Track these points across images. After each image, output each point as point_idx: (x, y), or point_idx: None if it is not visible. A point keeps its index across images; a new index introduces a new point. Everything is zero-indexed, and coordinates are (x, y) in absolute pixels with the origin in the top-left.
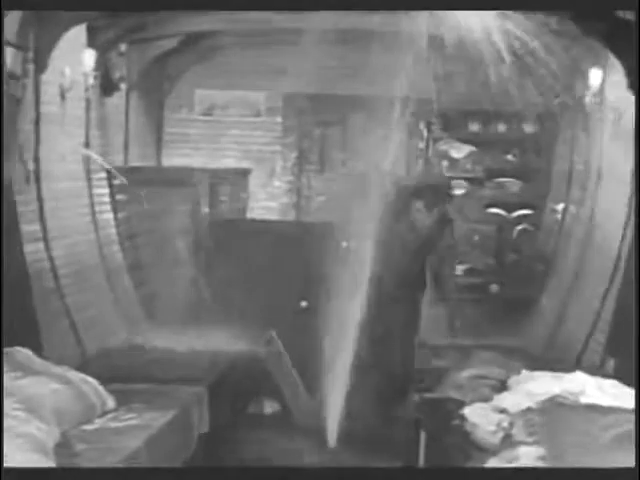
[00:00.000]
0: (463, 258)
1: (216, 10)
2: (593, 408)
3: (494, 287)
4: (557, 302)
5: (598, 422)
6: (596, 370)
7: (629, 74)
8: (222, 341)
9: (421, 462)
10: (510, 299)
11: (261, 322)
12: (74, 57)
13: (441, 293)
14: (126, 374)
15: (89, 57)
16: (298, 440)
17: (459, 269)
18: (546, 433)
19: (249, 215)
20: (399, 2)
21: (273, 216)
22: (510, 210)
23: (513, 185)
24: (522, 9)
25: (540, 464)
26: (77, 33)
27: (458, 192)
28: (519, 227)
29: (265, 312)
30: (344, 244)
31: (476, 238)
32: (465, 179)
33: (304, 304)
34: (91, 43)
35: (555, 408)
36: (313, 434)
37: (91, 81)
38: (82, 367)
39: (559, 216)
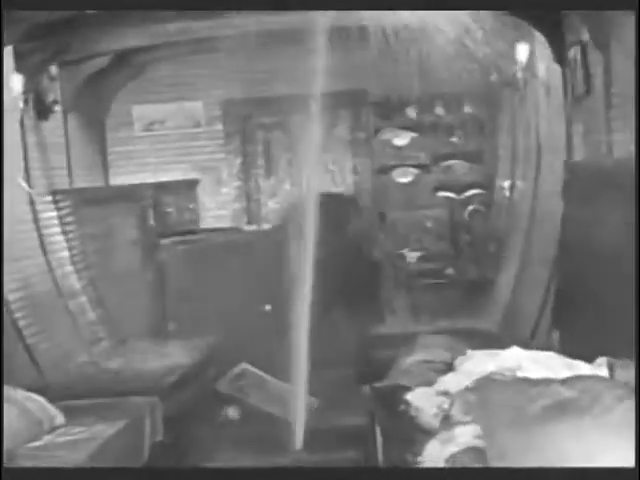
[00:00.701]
0: (417, 245)
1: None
2: (523, 381)
3: (450, 271)
4: (511, 280)
5: (526, 395)
6: (545, 344)
7: (554, 46)
8: (179, 353)
9: (380, 453)
10: (467, 281)
11: (219, 331)
12: (6, 82)
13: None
14: (82, 392)
15: (17, 82)
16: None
17: (414, 256)
18: (480, 410)
19: (202, 225)
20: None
21: (225, 223)
22: (459, 192)
23: (460, 167)
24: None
25: (476, 442)
26: (5, 57)
27: (406, 179)
28: (470, 207)
29: (223, 320)
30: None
31: (429, 224)
32: (411, 166)
33: (268, 308)
34: (18, 68)
35: (490, 385)
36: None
37: (21, 105)
38: (41, 389)
39: (507, 193)
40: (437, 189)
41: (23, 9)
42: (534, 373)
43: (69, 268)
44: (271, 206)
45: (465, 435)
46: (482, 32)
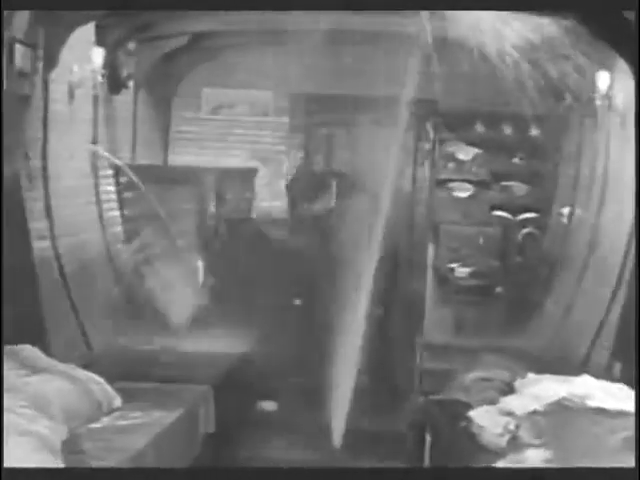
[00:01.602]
0: (468, 260)
1: (221, 10)
2: (600, 411)
3: (499, 289)
4: (562, 305)
5: (605, 425)
6: (602, 374)
7: (637, 76)
8: (225, 342)
9: (426, 464)
10: (514, 301)
11: (262, 322)
12: (82, 55)
13: None
14: (132, 373)
15: (97, 55)
16: (303, 440)
17: (464, 271)
18: (553, 436)
19: (255, 215)
20: (412, 2)
21: (279, 216)
22: (515, 213)
23: (519, 188)
24: (528, 10)
25: (546, 466)
26: (85, 31)
27: (464, 194)
28: (524, 230)
29: (266, 311)
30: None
31: (481, 241)
32: (471, 182)
33: (297, 302)
34: (99, 41)
35: (562, 411)
36: (318, 434)
37: (99, 79)
38: (89, 365)
39: (565, 220)
40: (493, 208)
41: (23, 9)
42: (604, 403)
43: (121, 245)
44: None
45: (535, 459)
46: (560, 57)
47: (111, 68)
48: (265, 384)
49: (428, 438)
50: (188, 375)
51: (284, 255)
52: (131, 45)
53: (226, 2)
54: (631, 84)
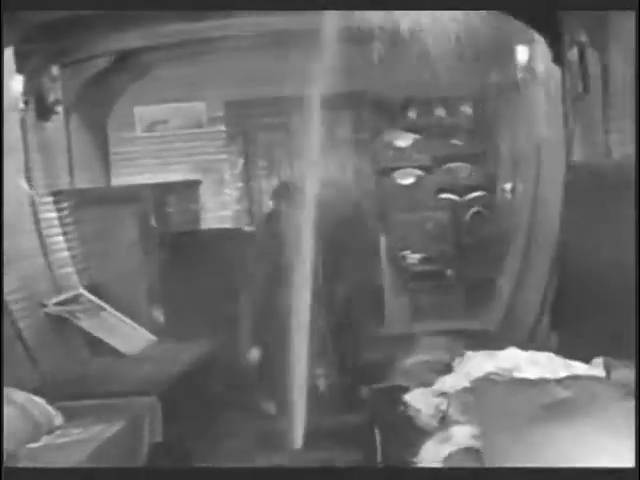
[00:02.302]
0: (419, 246)
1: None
2: (520, 381)
3: (450, 272)
4: (511, 281)
5: (523, 395)
6: (545, 347)
7: (552, 47)
8: (177, 355)
9: (378, 453)
10: (468, 283)
11: (217, 332)
12: (7, 82)
13: None
14: (84, 393)
15: (18, 82)
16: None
17: (415, 257)
18: (478, 411)
19: (203, 226)
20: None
21: (227, 224)
22: (462, 194)
23: (462, 169)
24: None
25: (473, 443)
26: (7, 58)
27: (408, 181)
28: (472, 210)
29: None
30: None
31: (430, 226)
32: (413, 167)
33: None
34: (19, 68)
35: (487, 385)
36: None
37: (22, 106)
38: (40, 390)
39: (509, 195)
40: (439, 191)
41: (23, 9)
42: (531, 374)
43: (70, 268)
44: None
45: (462, 435)
46: (482, 33)
47: (36, 94)
48: (219, 391)
49: (376, 428)
50: (136, 388)
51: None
52: (54, 70)
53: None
54: (548, 54)
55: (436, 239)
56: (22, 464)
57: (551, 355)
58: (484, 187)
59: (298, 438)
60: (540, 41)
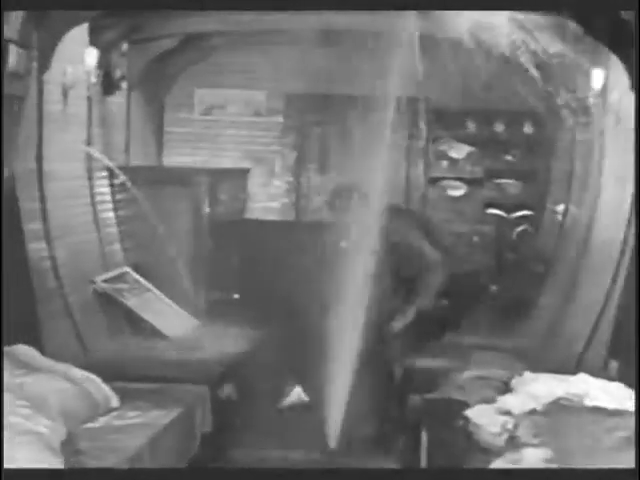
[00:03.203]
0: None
1: (218, 10)
2: (597, 410)
3: (493, 288)
4: (556, 303)
5: (603, 424)
6: (599, 372)
7: (631, 75)
8: (223, 341)
9: (423, 464)
10: (509, 300)
11: (260, 322)
12: (76, 56)
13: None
14: (128, 373)
15: (91, 56)
16: (299, 441)
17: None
18: (551, 435)
19: (248, 215)
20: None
21: (273, 216)
22: (509, 211)
23: (512, 186)
24: (522, 9)
25: (545, 466)
26: (79, 32)
27: (457, 193)
28: (519, 228)
29: (264, 312)
30: (343, 244)
31: (475, 239)
32: (464, 180)
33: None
34: (93, 42)
35: (559, 410)
36: (314, 435)
37: (93, 80)
38: (85, 366)
39: (559, 217)
40: (487, 205)
41: (23, 9)
42: (602, 402)
43: (118, 246)
44: (320, 203)
45: (534, 458)
46: (558, 51)
47: (104, 69)
48: (262, 385)
49: (424, 438)
50: (185, 375)
51: (279, 256)
52: (124, 46)
53: (224, 2)
54: (625, 81)
55: (481, 253)
56: (81, 445)
57: (621, 385)
58: (532, 206)
59: (333, 438)
60: (618, 66)
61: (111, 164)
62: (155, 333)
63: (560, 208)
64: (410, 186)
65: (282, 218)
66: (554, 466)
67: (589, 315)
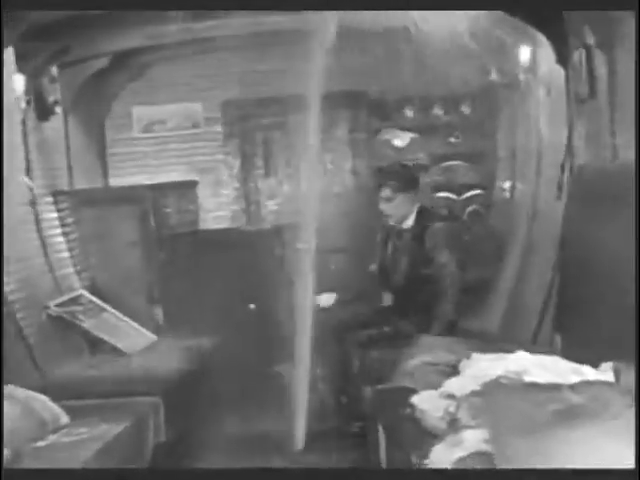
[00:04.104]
0: None
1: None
2: (531, 386)
3: None
4: (511, 281)
5: (535, 399)
6: (547, 348)
7: (557, 48)
8: (179, 353)
9: (382, 454)
10: (467, 283)
11: (213, 332)
12: (7, 83)
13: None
14: (86, 393)
15: (19, 82)
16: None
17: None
18: (488, 415)
19: (201, 226)
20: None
21: (225, 224)
22: (459, 193)
23: (459, 167)
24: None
25: (484, 447)
26: (6, 57)
27: None
28: (469, 208)
29: (217, 320)
30: (299, 246)
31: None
32: None
33: (252, 307)
34: (20, 68)
35: (497, 389)
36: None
37: (23, 106)
38: (39, 387)
39: (507, 194)
40: (436, 190)
41: (23, 9)
42: (541, 378)
43: (70, 269)
44: (270, 207)
45: (473, 439)
46: (483, 33)
47: (36, 94)
48: (220, 392)
49: (381, 430)
50: (139, 389)
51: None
52: (54, 70)
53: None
54: (551, 55)
55: None
56: (27, 463)
57: (560, 359)
58: (482, 186)
59: (299, 440)
60: (544, 42)
61: (36, 189)
62: (115, 351)
63: (507, 185)
64: (358, 178)
65: (234, 225)
66: (489, 447)
67: (540, 290)
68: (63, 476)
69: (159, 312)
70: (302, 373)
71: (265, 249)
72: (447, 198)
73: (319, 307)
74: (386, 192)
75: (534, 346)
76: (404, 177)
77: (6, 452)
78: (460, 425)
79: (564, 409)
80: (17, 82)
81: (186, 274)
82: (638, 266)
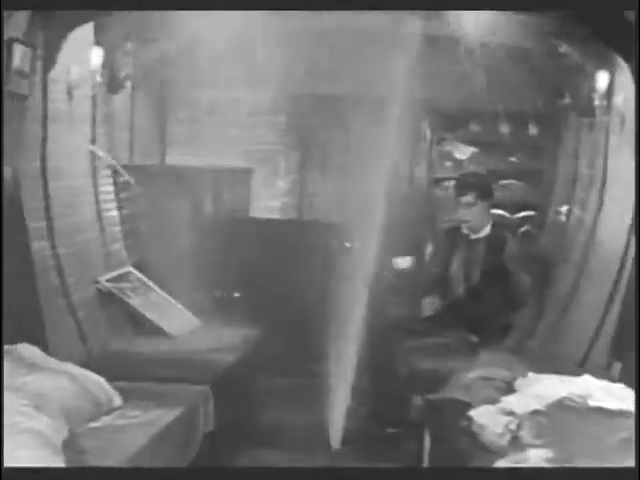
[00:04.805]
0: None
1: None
2: (600, 411)
3: None
4: (560, 304)
5: (605, 425)
6: (601, 374)
7: (636, 76)
8: (225, 340)
9: (425, 465)
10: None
11: (262, 321)
12: (81, 55)
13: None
14: (130, 373)
15: (96, 55)
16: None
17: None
18: (554, 435)
19: (252, 214)
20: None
21: (275, 215)
22: (513, 211)
23: (516, 187)
24: (524, 9)
25: (547, 466)
26: (84, 31)
27: None
28: (522, 229)
29: (266, 311)
30: (347, 245)
31: None
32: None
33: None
34: (98, 41)
35: (563, 411)
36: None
37: (98, 79)
38: (87, 365)
39: (563, 218)
40: (491, 206)
41: (23, 9)
42: (606, 403)
43: (121, 245)
44: (322, 204)
45: (536, 458)
46: (562, 53)
47: (109, 68)
48: (261, 385)
49: (427, 438)
50: (187, 375)
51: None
52: (129, 45)
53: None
54: (630, 83)
55: None
56: (84, 443)
57: (623, 386)
58: (537, 207)
59: (336, 439)
60: (623, 69)
61: (114, 162)
62: (158, 332)
63: (564, 209)
64: (414, 187)
65: (284, 217)
66: (554, 465)
67: (592, 316)
68: (63, 476)
69: (206, 298)
70: (345, 373)
71: (316, 243)
72: (500, 216)
73: (397, 269)
74: (468, 198)
75: (600, 371)
76: (484, 186)
77: (65, 431)
78: (523, 443)
79: (632, 437)
80: (94, 55)
81: (235, 261)
82: (638, 266)
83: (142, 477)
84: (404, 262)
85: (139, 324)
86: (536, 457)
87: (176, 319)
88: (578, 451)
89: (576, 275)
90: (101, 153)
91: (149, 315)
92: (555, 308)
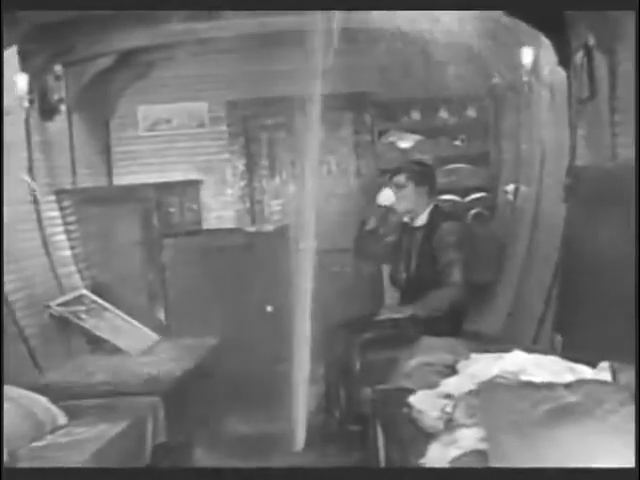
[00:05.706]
0: None
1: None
2: (527, 385)
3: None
4: (513, 284)
5: (530, 399)
6: (549, 350)
7: (559, 50)
8: (177, 354)
9: (381, 454)
10: (469, 285)
11: (215, 332)
12: (8, 82)
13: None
14: (82, 393)
15: (22, 81)
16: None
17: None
18: (484, 414)
19: (204, 226)
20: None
21: (228, 224)
22: (463, 195)
23: (464, 170)
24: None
25: (480, 446)
26: (9, 57)
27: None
28: (473, 211)
29: (218, 320)
30: (302, 246)
31: None
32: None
33: (269, 309)
34: (24, 67)
35: (493, 389)
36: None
37: (26, 105)
38: (39, 388)
39: (511, 197)
40: (440, 192)
41: (23, 9)
42: (538, 377)
43: (72, 268)
44: (274, 207)
45: (468, 438)
46: (486, 35)
47: (40, 93)
48: (218, 391)
49: (379, 430)
50: (139, 389)
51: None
52: (58, 69)
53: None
54: (553, 57)
55: None
56: (24, 464)
57: (556, 359)
58: (486, 189)
59: (300, 440)
60: (546, 43)
61: (37, 188)
62: (117, 351)
63: (511, 188)
64: (362, 179)
65: (238, 225)
66: (484, 446)
67: (541, 292)
68: (63, 476)
69: (161, 312)
70: (302, 373)
71: (268, 249)
72: (450, 200)
73: (381, 205)
74: (399, 178)
75: (533, 346)
76: (419, 170)
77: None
78: (456, 424)
79: (558, 407)
80: (20, 81)
81: (188, 274)
82: (638, 266)
83: (142, 477)
84: (388, 197)
85: (97, 345)
86: (467, 437)
87: (134, 337)
88: (503, 427)
89: (525, 253)
90: (30, 181)
91: (105, 336)
92: (511, 287)
